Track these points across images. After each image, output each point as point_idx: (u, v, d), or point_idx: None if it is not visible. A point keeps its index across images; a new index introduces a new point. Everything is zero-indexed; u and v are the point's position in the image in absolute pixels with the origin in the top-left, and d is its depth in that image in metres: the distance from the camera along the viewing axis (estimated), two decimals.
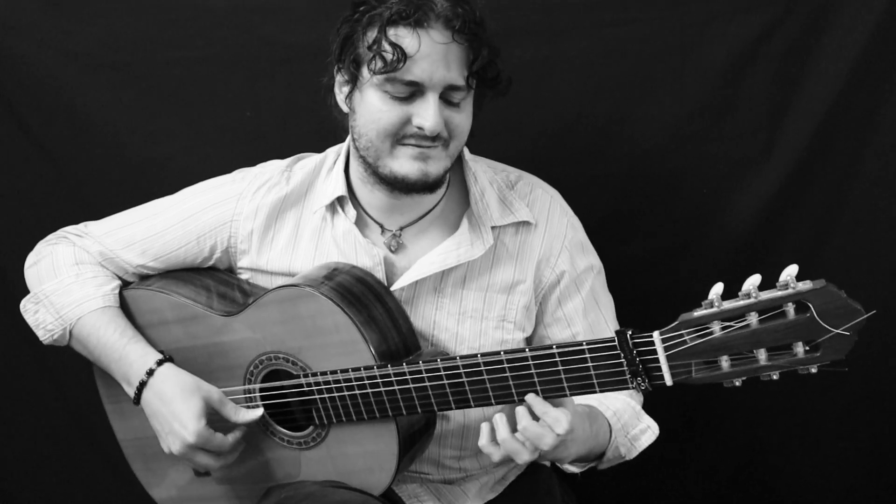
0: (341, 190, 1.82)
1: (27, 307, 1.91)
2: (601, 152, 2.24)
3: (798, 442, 2.36)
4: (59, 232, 1.97)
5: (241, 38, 2.27)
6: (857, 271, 2.19)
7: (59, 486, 2.61)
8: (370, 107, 1.68)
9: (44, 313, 1.89)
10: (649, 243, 2.27)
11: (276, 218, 1.87)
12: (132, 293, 1.90)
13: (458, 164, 1.86)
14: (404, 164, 1.69)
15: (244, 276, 1.91)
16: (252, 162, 1.97)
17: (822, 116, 2.14)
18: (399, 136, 1.68)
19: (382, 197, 1.79)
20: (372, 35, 1.65)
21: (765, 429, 2.36)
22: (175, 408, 1.74)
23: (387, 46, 1.63)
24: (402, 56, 1.62)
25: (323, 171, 1.87)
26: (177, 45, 2.29)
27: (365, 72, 1.67)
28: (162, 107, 2.33)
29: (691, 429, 2.38)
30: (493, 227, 1.80)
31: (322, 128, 1.89)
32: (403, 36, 1.63)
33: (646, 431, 1.80)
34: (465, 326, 1.81)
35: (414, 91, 1.65)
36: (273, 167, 1.91)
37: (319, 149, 1.93)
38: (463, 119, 1.71)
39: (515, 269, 1.82)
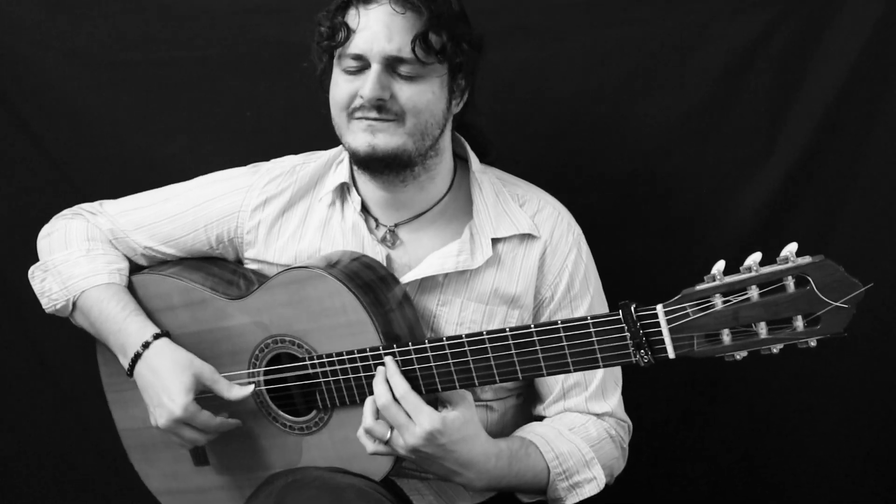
0: (345, 177, 1.84)
1: (35, 274, 1.95)
2: (601, 152, 2.24)
3: (800, 437, 2.35)
4: (76, 207, 2.01)
5: (241, 38, 2.28)
6: (857, 271, 2.17)
7: (59, 486, 2.61)
8: (333, 85, 1.76)
9: (50, 282, 1.92)
10: (649, 243, 2.26)
11: (284, 211, 1.89)
12: (141, 278, 1.93)
13: (466, 174, 1.88)
14: (357, 137, 1.74)
15: (251, 267, 1.93)
16: (251, 162, 1.97)
17: (822, 116, 2.13)
18: (351, 111, 1.73)
19: (376, 189, 1.82)
20: (331, 21, 1.74)
21: (766, 426, 2.35)
22: (166, 381, 1.76)
23: (338, 27, 1.71)
24: (346, 31, 1.69)
25: (333, 164, 1.91)
26: (177, 45, 2.30)
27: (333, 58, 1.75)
28: (162, 107, 2.34)
29: (691, 427, 2.37)
30: (494, 240, 1.81)
31: (323, 128, 1.89)
32: (352, 16, 1.72)
33: (591, 482, 1.78)
34: None
35: (362, 66, 1.71)
36: (287, 162, 1.94)
37: (319, 149, 1.94)
38: (417, 93, 1.71)
39: (518, 283, 1.82)
